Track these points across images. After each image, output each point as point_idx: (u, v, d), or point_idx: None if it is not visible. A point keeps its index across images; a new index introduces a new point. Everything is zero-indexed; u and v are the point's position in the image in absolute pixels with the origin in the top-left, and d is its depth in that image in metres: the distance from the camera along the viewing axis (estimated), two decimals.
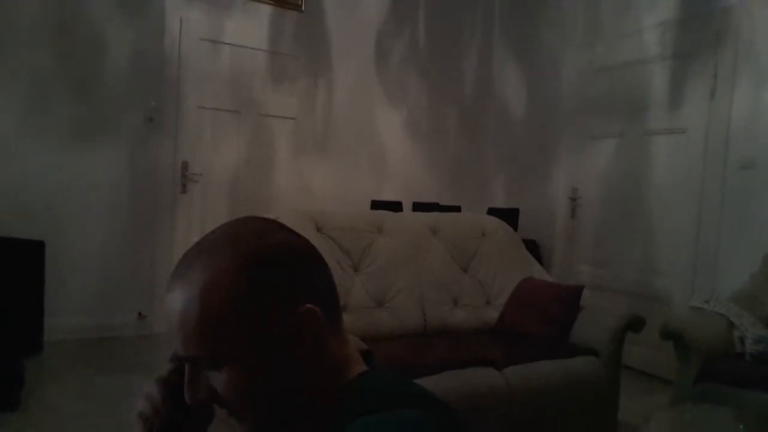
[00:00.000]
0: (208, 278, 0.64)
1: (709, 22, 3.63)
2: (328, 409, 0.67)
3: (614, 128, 4.24)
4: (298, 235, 0.71)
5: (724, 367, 2.52)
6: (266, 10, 4.52)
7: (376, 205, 4.54)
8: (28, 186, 3.76)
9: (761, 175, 3.34)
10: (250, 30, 4.47)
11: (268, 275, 0.65)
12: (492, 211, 4.46)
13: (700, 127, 3.66)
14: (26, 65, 3.74)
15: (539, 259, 3.98)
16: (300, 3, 4.64)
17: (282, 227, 0.71)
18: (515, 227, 4.25)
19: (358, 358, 0.73)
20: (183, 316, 0.64)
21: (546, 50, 4.86)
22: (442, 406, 0.66)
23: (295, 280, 0.66)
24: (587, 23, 4.48)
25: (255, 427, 0.67)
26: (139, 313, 4.13)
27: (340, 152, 4.87)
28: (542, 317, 2.78)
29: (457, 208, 4.66)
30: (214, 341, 0.63)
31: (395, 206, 4.41)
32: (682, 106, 3.78)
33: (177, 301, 0.65)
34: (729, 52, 3.50)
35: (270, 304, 0.64)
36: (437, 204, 4.71)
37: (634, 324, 2.67)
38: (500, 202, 5.13)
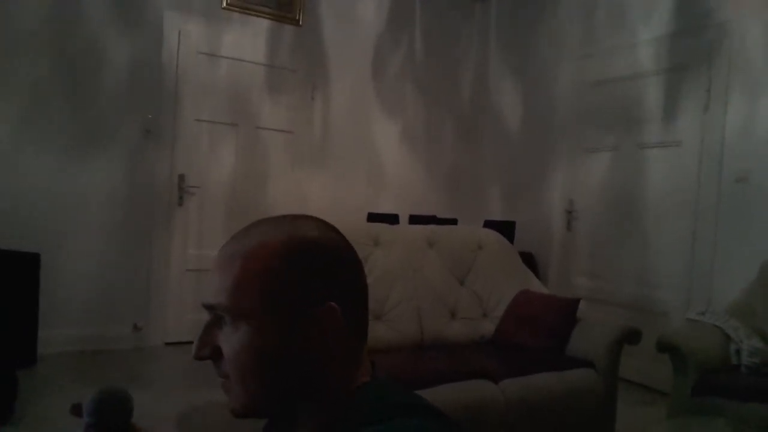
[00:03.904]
0: (258, 244, 0.69)
1: (702, 37, 3.67)
2: (330, 415, 0.68)
3: (609, 141, 4.27)
4: (348, 244, 0.75)
5: (720, 379, 2.52)
6: (264, 24, 4.55)
7: (373, 217, 4.54)
8: (24, 197, 3.75)
9: (755, 187, 3.37)
10: (248, 43, 4.49)
11: (308, 262, 0.69)
12: (488, 224, 4.46)
13: (694, 140, 3.69)
14: (24, 77, 3.76)
15: (535, 272, 3.99)
16: (298, 17, 4.68)
17: (337, 232, 0.75)
18: (511, 240, 4.25)
19: (368, 368, 0.74)
20: (225, 264, 0.69)
21: (541, 63, 4.90)
22: (442, 417, 0.67)
23: (330, 278, 0.70)
24: (582, 36, 4.53)
25: (246, 396, 0.68)
26: (135, 326, 4.11)
27: (336, 165, 4.89)
28: (539, 330, 2.78)
29: (453, 221, 4.66)
30: (243, 295, 0.67)
31: (392, 219, 4.41)
32: (676, 120, 3.81)
33: (225, 254, 0.71)
34: (722, 65, 3.53)
35: (300, 287, 0.68)
36: (434, 217, 4.72)
37: (631, 336, 2.68)
38: (496, 215, 5.14)
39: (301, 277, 0.68)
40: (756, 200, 3.36)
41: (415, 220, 4.62)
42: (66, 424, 2.71)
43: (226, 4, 4.39)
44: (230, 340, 0.67)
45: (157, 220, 4.20)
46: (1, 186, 3.69)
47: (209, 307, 0.70)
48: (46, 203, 3.81)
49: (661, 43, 3.91)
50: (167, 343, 4.19)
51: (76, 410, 0.73)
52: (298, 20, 4.69)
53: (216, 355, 0.69)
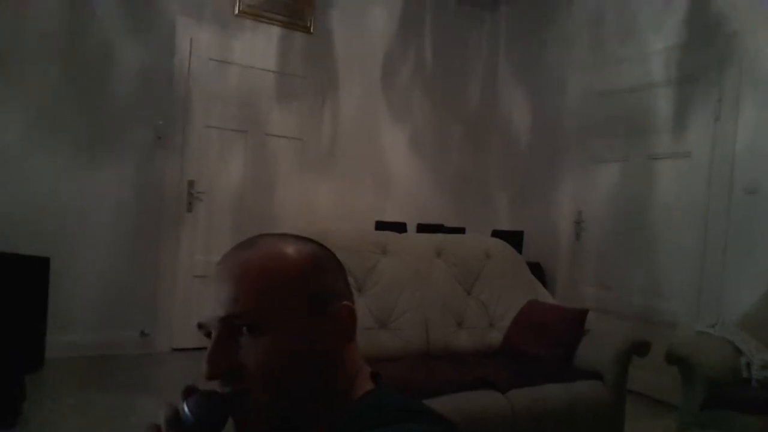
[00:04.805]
0: (271, 253, 0.71)
1: (713, 47, 3.65)
2: (336, 420, 0.68)
3: (618, 151, 4.25)
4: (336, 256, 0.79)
5: (730, 392, 2.50)
6: (275, 31, 4.57)
7: (381, 225, 4.54)
8: (34, 202, 3.78)
9: (766, 199, 3.34)
10: (259, 50, 4.52)
11: (322, 269, 0.73)
12: (496, 233, 4.45)
13: (704, 151, 3.67)
14: (35, 82, 3.79)
15: (543, 282, 3.97)
16: (309, 25, 4.70)
17: (324, 246, 0.78)
18: (519, 249, 4.24)
19: (368, 375, 0.75)
20: (241, 274, 0.69)
21: (551, 72, 4.89)
22: (447, 423, 0.67)
23: (339, 283, 0.74)
24: (592, 46, 4.52)
25: (276, 408, 0.67)
26: (142, 331, 4.12)
27: (345, 172, 4.89)
28: (546, 340, 2.76)
29: (461, 230, 4.65)
30: (268, 302, 0.67)
31: (399, 227, 4.40)
32: (686, 130, 3.79)
33: (233, 264, 0.70)
34: (733, 76, 3.52)
35: (320, 291, 0.71)
36: (442, 225, 4.71)
37: (639, 348, 2.65)
38: (505, 224, 5.12)
39: (317, 283, 0.71)
40: (766, 212, 3.33)
41: (422, 228, 4.62)
42: (72, 428, 2.72)
43: (239, 11, 4.42)
44: (255, 350, 0.66)
45: (166, 225, 4.22)
46: (11, 190, 3.72)
47: (225, 319, 0.67)
48: (56, 208, 3.84)
49: (671, 54, 3.90)
50: (174, 349, 4.20)
51: (188, 392, 0.68)
52: (309, 28, 4.71)
53: (237, 370, 0.66)
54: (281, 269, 0.69)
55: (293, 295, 0.68)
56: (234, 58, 4.43)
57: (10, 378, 2.74)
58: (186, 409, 0.66)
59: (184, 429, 0.65)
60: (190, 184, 4.29)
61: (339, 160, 4.88)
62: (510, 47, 5.43)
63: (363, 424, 0.64)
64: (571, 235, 4.60)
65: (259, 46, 4.52)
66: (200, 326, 0.70)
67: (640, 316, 3.97)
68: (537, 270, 4.31)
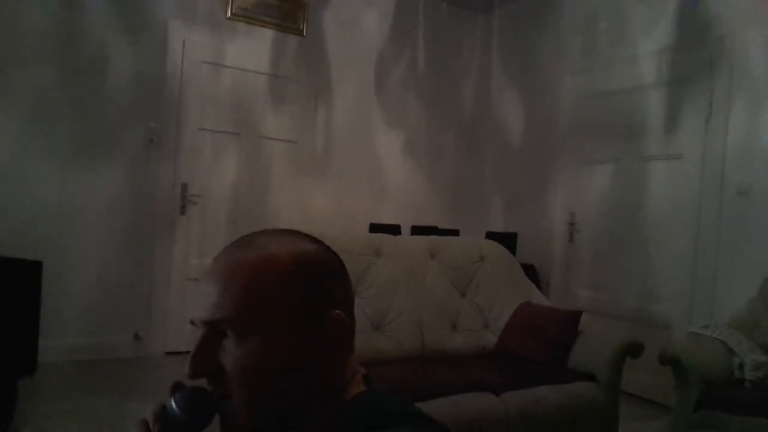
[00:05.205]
0: (262, 256, 0.68)
1: (704, 49, 3.67)
2: (328, 425, 0.68)
3: (611, 153, 4.27)
4: (337, 255, 0.77)
5: (723, 393, 2.51)
6: (268, 34, 4.57)
7: (375, 228, 4.54)
8: (27, 205, 3.76)
9: (757, 200, 3.36)
10: (252, 53, 4.51)
11: (313, 274, 0.70)
12: (490, 235, 4.45)
13: (696, 152, 3.69)
14: (28, 85, 3.77)
15: (537, 284, 3.98)
16: (301, 28, 4.70)
17: (325, 245, 0.77)
18: (513, 251, 4.24)
19: (360, 378, 0.74)
20: (230, 276, 0.67)
21: (543, 75, 4.91)
22: (439, 427, 0.66)
23: (331, 288, 0.71)
24: (584, 49, 4.54)
25: (255, 415, 0.66)
26: (136, 335, 4.10)
27: (339, 175, 4.89)
28: (540, 342, 2.77)
29: (455, 232, 4.66)
30: (253, 307, 0.65)
31: (394, 229, 4.41)
32: (678, 132, 3.81)
33: (223, 266, 0.68)
34: (724, 78, 3.54)
35: (309, 297, 0.68)
36: (436, 228, 4.71)
37: (633, 349, 2.66)
38: (498, 226, 5.13)
39: (308, 288, 0.68)
40: (758, 212, 3.36)
41: (416, 230, 4.62)
42: None
43: (231, 14, 4.41)
44: (237, 355, 0.65)
45: (160, 229, 4.20)
46: (4, 194, 3.70)
47: (211, 323, 0.67)
48: (49, 211, 3.82)
49: (662, 56, 3.92)
50: (168, 353, 4.18)
51: (176, 388, 0.68)
52: (302, 30, 4.71)
53: (218, 372, 0.66)
54: (271, 275, 0.67)
55: (282, 303, 0.66)
56: (227, 60, 4.42)
57: (3, 382, 2.72)
58: (173, 403, 0.67)
59: (170, 423, 0.66)
60: (184, 187, 4.27)
61: (333, 162, 4.88)
62: (503, 50, 5.45)
63: (355, 427, 0.63)
64: (565, 237, 4.61)
65: (252, 49, 4.52)
66: (192, 322, 0.70)
67: (633, 318, 3.98)
68: (531, 272, 4.32)
